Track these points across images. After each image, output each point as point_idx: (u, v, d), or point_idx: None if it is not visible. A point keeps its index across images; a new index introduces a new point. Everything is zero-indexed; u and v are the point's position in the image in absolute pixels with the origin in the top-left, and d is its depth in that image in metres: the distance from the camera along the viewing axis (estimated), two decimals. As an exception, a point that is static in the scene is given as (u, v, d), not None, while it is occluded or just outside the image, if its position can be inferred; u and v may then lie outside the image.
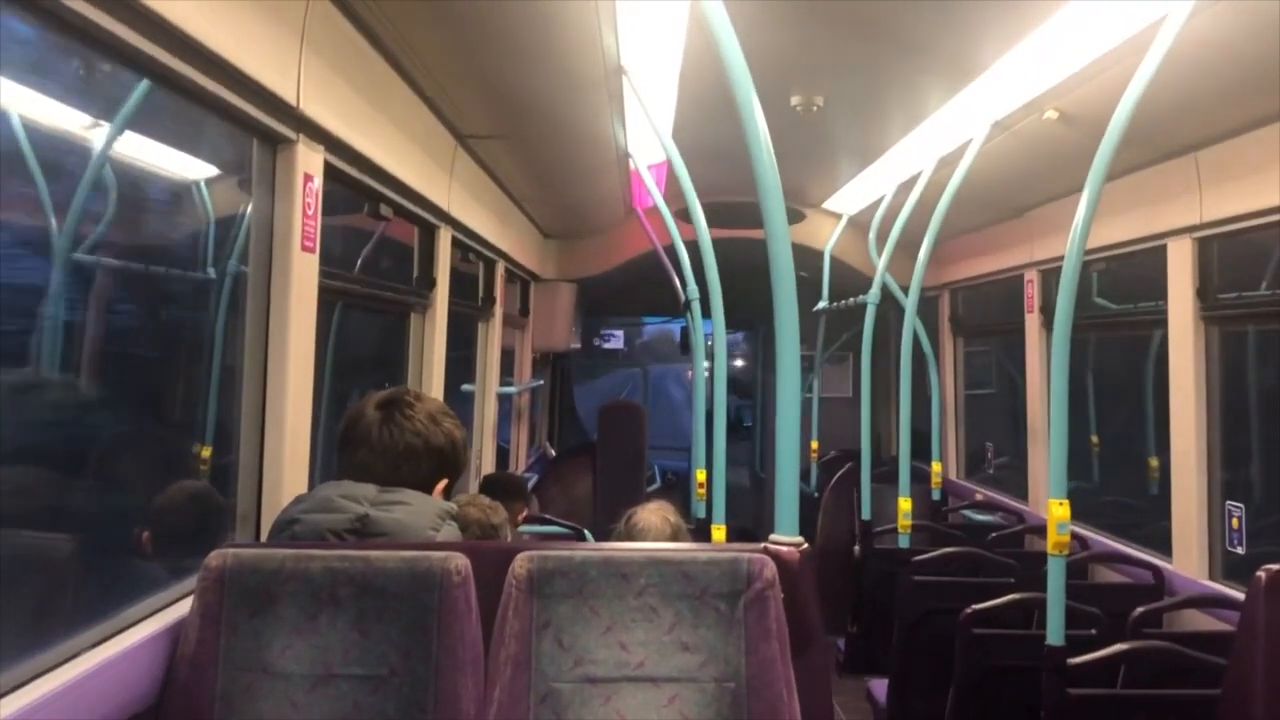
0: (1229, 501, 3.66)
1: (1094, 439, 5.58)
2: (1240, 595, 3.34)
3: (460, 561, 1.84)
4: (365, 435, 2.09)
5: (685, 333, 9.97)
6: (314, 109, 2.28)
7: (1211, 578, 3.66)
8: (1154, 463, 4.88)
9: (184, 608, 1.91)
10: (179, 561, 2.20)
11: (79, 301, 2.75)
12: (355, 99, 2.59)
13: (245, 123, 2.14)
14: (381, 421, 2.10)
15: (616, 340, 16.57)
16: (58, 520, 2.14)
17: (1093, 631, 3.15)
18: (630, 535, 2.94)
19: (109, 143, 2.59)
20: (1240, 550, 3.59)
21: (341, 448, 2.13)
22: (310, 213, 2.38)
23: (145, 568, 2.36)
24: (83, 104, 2.50)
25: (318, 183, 2.42)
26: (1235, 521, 3.60)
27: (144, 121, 2.60)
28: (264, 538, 2.22)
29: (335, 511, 1.98)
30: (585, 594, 1.88)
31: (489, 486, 3.94)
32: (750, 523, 8.45)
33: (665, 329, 17.80)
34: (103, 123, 2.58)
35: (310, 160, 2.38)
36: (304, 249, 2.36)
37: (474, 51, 2.95)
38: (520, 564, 1.88)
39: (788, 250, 2.10)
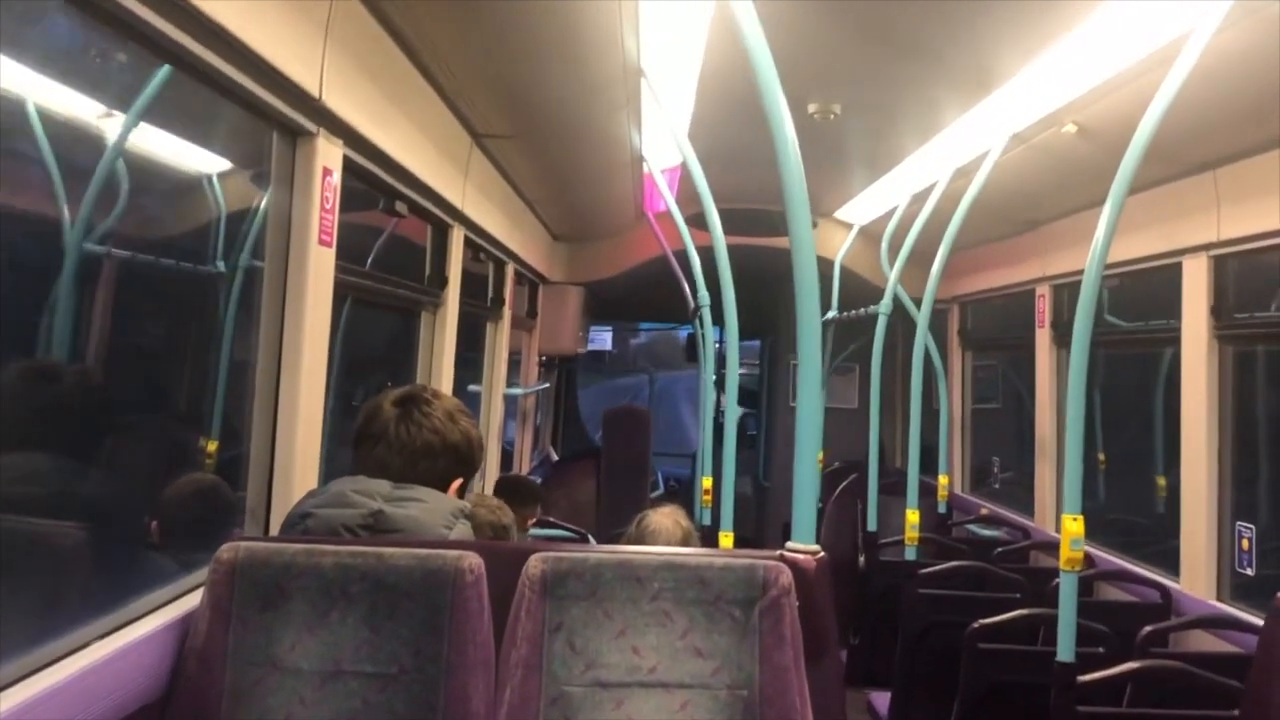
0: (1239, 522, 3.63)
1: (1101, 457, 5.56)
2: (1250, 617, 3.32)
3: (474, 560, 1.82)
4: (382, 431, 2.07)
5: (692, 339, 9.96)
6: (335, 102, 2.26)
7: (1220, 598, 3.64)
8: (1161, 481, 4.86)
9: (194, 600, 1.89)
10: (187, 555, 2.18)
11: (89, 292, 2.73)
12: (375, 94, 2.57)
13: (267, 113, 2.13)
14: (399, 418, 2.08)
15: (601, 341, 13.94)
16: (63, 509, 2.12)
17: (1101, 649, 3.13)
18: (641, 537, 2.94)
19: (124, 134, 2.58)
20: (1250, 571, 3.57)
21: (358, 444, 2.11)
22: (328, 207, 2.37)
23: (152, 560, 2.35)
24: (97, 94, 2.50)
25: (336, 177, 2.41)
26: (1245, 543, 3.58)
27: (157, 113, 2.59)
28: (273, 532, 2.21)
29: (349, 506, 1.96)
30: (599, 596, 1.86)
31: (503, 489, 3.93)
32: (751, 532, 8.42)
33: (667, 332, 16.80)
34: (116, 113, 2.57)
35: (330, 154, 2.36)
36: (321, 243, 2.35)
37: (493, 50, 2.94)
38: (534, 565, 1.86)
39: (812, 260, 2.09)
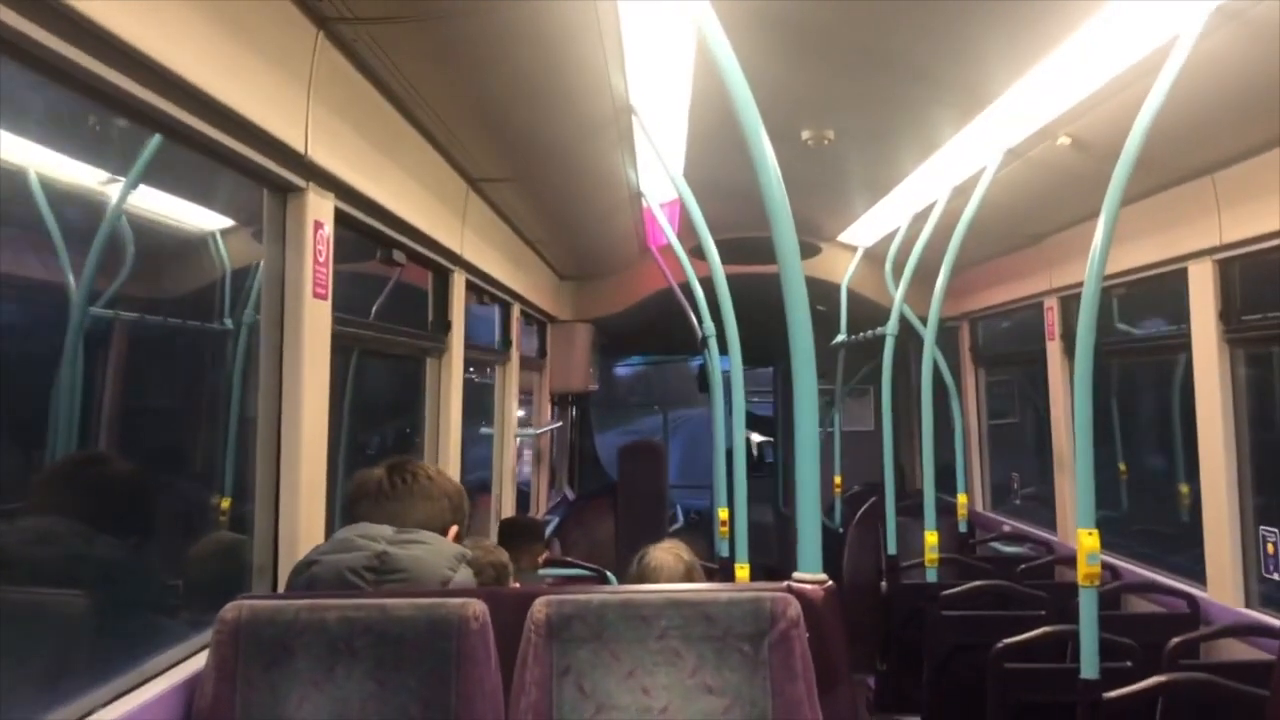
0: (1263, 527, 3.58)
1: (1122, 466, 5.51)
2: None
3: (478, 608, 1.81)
4: (378, 488, 2.15)
5: (703, 370, 9.96)
6: (323, 156, 2.28)
7: (1248, 605, 3.58)
8: (1184, 489, 4.80)
9: (200, 661, 1.89)
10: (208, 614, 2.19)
11: (97, 354, 2.76)
12: (364, 146, 2.59)
13: (254, 172, 2.14)
14: (390, 475, 2.18)
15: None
16: (88, 574, 2.14)
17: (1128, 664, 3.08)
18: (643, 575, 2.90)
19: (123, 197, 2.61)
20: (1278, 577, 3.51)
21: (353, 506, 2.16)
22: (321, 260, 2.38)
23: (172, 622, 2.35)
24: (98, 159, 2.53)
25: (328, 230, 2.42)
26: (1270, 547, 3.52)
27: (159, 175, 2.62)
28: (281, 589, 2.21)
29: (353, 550, 1.99)
30: (605, 638, 1.85)
31: (507, 530, 3.92)
32: (775, 560, 8.37)
33: (676, 363, 15.51)
34: (118, 178, 2.61)
35: (320, 207, 2.38)
36: (316, 296, 2.36)
37: (482, 96, 2.96)
38: (539, 609, 1.85)
39: (801, 284, 2.08)
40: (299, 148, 2.17)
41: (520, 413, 5.86)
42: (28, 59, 1.45)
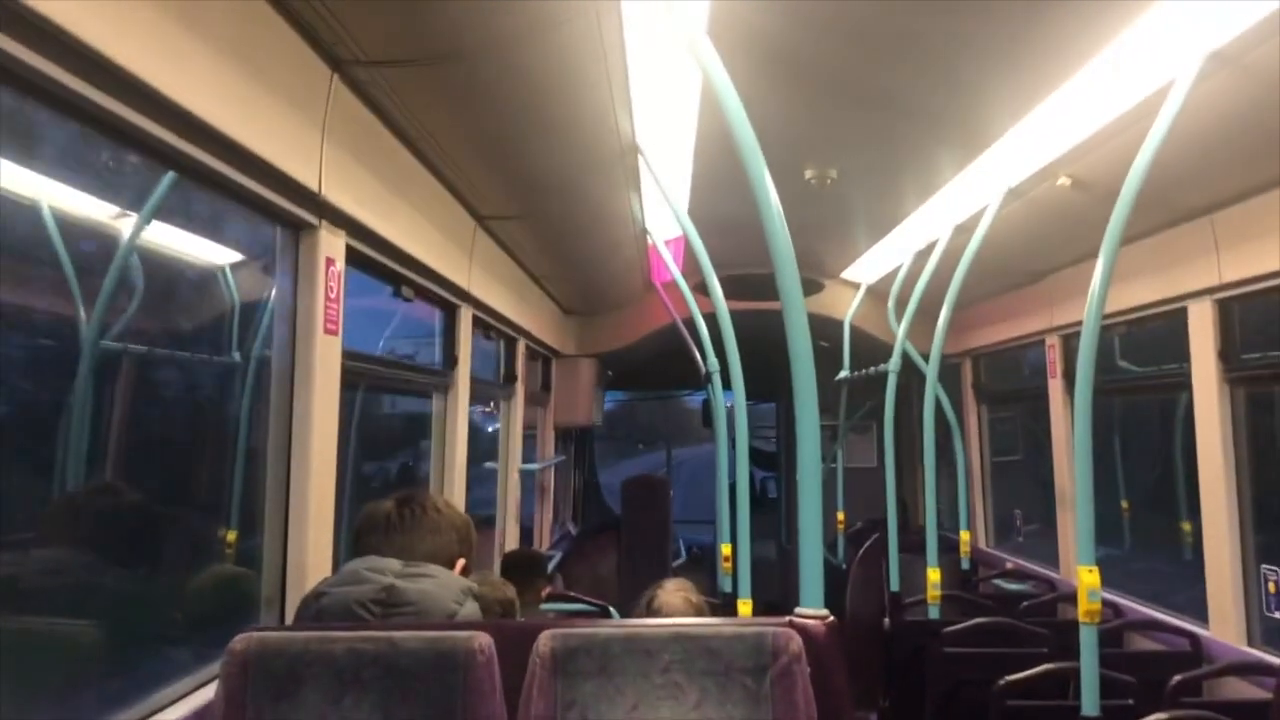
0: (1265, 565, 3.59)
1: (1124, 503, 5.51)
2: (1280, 661, 3.28)
3: (484, 641, 1.83)
4: (386, 521, 2.14)
5: (707, 405, 9.97)
6: (335, 195, 2.33)
7: (1250, 644, 3.58)
8: (1186, 526, 4.81)
9: (210, 692, 1.90)
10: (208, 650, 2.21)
11: (107, 385, 2.79)
12: (376, 184, 2.64)
13: (268, 210, 2.19)
14: (399, 508, 2.17)
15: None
16: (96, 605, 2.16)
17: (1129, 701, 3.09)
18: (652, 617, 2.90)
19: (136, 232, 2.65)
20: (1279, 615, 3.52)
21: (361, 538, 2.16)
22: (333, 296, 2.42)
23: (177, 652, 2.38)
24: (111, 194, 2.57)
25: (340, 266, 2.46)
26: (1272, 586, 3.53)
27: (171, 210, 2.66)
28: (289, 621, 2.22)
29: (361, 583, 2.00)
30: (609, 672, 1.86)
31: (509, 564, 3.92)
32: (778, 596, 8.35)
33: (674, 399, 14.61)
34: (130, 213, 2.65)
35: (332, 245, 2.42)
36: (327, 332, 2.40)
37: (491, 136, 3.01)
38: (544, 642, 1.87)
39: (804, 321, 2.11)
40: (313, 186, 2.21)
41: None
42: (50, 99, 1.49)
